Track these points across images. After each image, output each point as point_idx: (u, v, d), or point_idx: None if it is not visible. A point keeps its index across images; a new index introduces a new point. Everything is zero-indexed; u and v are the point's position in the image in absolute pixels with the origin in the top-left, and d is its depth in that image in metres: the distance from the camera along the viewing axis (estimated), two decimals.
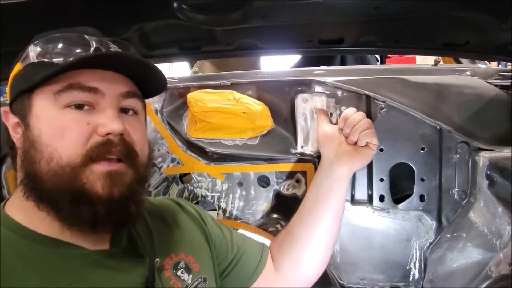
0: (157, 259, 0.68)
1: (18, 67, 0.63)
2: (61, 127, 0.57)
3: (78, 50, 0.60)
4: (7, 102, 1.23)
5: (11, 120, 0.63)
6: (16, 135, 0.62)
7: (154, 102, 1.14)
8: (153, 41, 0.98)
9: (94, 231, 0.59)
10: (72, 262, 0.59)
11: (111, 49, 0.63)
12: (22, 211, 0.61)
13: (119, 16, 0.85)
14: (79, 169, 0.56)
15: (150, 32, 0.93)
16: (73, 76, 0.58)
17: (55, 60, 0.59)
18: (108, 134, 0.58)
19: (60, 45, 0.60)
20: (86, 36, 0.61)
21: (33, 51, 0.60)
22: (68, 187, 0.56)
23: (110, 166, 0.58)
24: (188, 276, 0.72)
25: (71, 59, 0.58)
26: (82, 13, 0.80)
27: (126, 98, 0.63)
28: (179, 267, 0.72)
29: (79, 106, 0.58)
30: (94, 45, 0.61)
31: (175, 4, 0.79)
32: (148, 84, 0.68)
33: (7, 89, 0.66)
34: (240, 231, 1.21)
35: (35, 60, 0.60)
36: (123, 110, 0.64)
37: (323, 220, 0.90)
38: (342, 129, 0.93)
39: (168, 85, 0.73)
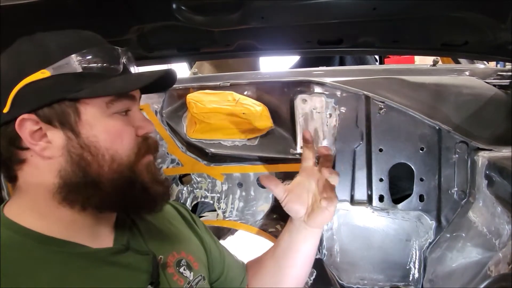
0: (160, 256, 0.70)
1: (45, 73, 0.59)
2: (119, 132, 0.63)
3: (114, 65, 0.65)
4: None
5: (29, 128, 0.59)
6: (35, 142, 0.59)
7: (154, 103, 1.15)
8: (152, 43, 0.98)
9: (151, 208, 0.68)
10: (78, 260, 0.61)
11: (128, 60, 0.67)
12: (21, 212, 0.61)
13: (118, 17, 0.85)
14: (133, 164, 0.65)
15: (149, 34, 0.93)
16: None
17: (97, 71, 0.62)
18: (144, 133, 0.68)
19: (99, 58, 0.63)
20: (117, 49, 0.65)
21: (74, 61, 0.60)
22: (127, 179, 0.64)
23: (149, 157, 0.68)
24: (190, 273, 0.74)
25: (118, 71, 0.64)
26: (82, 14, 0.80)
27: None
28: (181, 264, 0.74)
29: (123, 112, 0.65)
30: (123, 59, 0.66)
31: (174, 6, 0.80)
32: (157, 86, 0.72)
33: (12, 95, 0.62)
34: (240, 231, 1.22)
35: (79, 70, 0.60)
36: None
37: (295, 266, 0.91)
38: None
39: None
